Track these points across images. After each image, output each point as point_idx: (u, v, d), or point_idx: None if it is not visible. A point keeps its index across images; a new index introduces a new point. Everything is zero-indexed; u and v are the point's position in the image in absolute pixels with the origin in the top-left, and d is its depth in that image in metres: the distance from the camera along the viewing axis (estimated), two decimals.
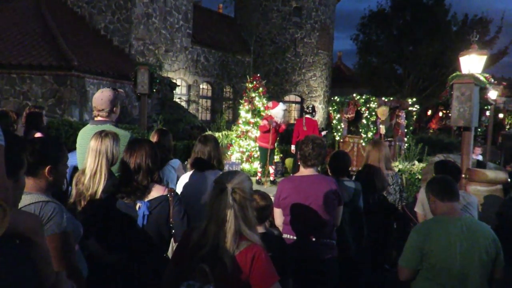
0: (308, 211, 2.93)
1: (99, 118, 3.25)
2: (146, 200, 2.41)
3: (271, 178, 9.38)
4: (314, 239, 2.95)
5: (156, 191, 2.45)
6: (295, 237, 3.01)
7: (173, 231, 2.44)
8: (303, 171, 3.06)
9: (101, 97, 3.22)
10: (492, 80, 6.09)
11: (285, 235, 3.05)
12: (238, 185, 1.80)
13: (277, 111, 9.02)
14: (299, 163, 3.11)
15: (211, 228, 1.79)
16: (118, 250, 2.43)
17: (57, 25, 13.19)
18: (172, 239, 2.54)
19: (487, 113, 6.59)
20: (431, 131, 24.92)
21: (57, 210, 1.94)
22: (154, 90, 9.98)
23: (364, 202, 3.57)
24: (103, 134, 2.73)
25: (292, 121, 20.62)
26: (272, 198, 3.60)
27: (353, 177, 4.06)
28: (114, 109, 3.25)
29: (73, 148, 3.36)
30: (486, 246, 2.42)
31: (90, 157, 2.66)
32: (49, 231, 1.88)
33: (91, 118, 3.35)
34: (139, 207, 2.39)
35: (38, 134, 4.43)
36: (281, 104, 9.26)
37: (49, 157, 2.00)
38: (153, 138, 3.65)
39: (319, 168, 3.21)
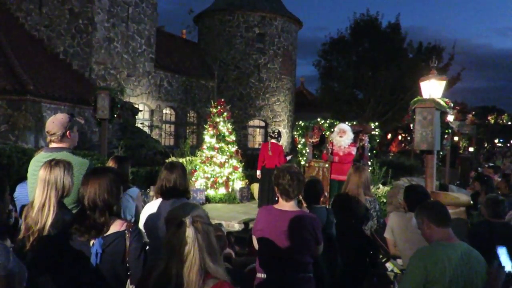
0: (281, 249, 2.77)
1: (53, 145, 3.00)
2: (101, 236, 2.20)
3: None
4: (287, 275, 2.79)
5: (113, 227, 2.23)
6: (265, 275, 2.84)
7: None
8: (284, 204, 2.88)
9: (52, 120, 2.98)
10: (452, 105, 6.25)
11: (258, 274, 2.89)
12: (196, 213, 1.65)
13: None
14: (276, 198, 2.96)
15: (172, 267, 1.60)
16: None
17: (11, 48, 12.64)
18: (128, 280, 2.30)
19: (445, 136, 6.75)
20: (391, 154, 25.57)
21: (1, 250, 1.71)
22: (115, 115, 9.63)
23: (341, 228, 3.48)
24: (53, 162, 2.48)
25: (257, 146, 20.62)
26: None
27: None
28: (68, 133, 3.00)
29: (26, 177, 3.08)
30: (482, 272, 2.44)
31: (38, 188, 2.40)
32: None
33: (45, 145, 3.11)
34: (93, 244, 2.17)
35: None
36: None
37: None
38: (109, 165, 3.43)
39: None
